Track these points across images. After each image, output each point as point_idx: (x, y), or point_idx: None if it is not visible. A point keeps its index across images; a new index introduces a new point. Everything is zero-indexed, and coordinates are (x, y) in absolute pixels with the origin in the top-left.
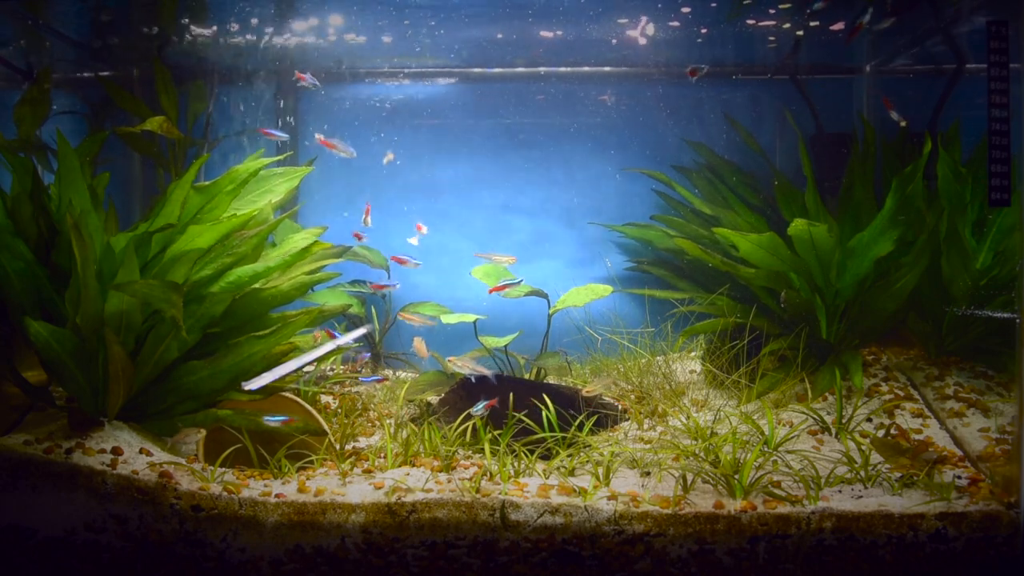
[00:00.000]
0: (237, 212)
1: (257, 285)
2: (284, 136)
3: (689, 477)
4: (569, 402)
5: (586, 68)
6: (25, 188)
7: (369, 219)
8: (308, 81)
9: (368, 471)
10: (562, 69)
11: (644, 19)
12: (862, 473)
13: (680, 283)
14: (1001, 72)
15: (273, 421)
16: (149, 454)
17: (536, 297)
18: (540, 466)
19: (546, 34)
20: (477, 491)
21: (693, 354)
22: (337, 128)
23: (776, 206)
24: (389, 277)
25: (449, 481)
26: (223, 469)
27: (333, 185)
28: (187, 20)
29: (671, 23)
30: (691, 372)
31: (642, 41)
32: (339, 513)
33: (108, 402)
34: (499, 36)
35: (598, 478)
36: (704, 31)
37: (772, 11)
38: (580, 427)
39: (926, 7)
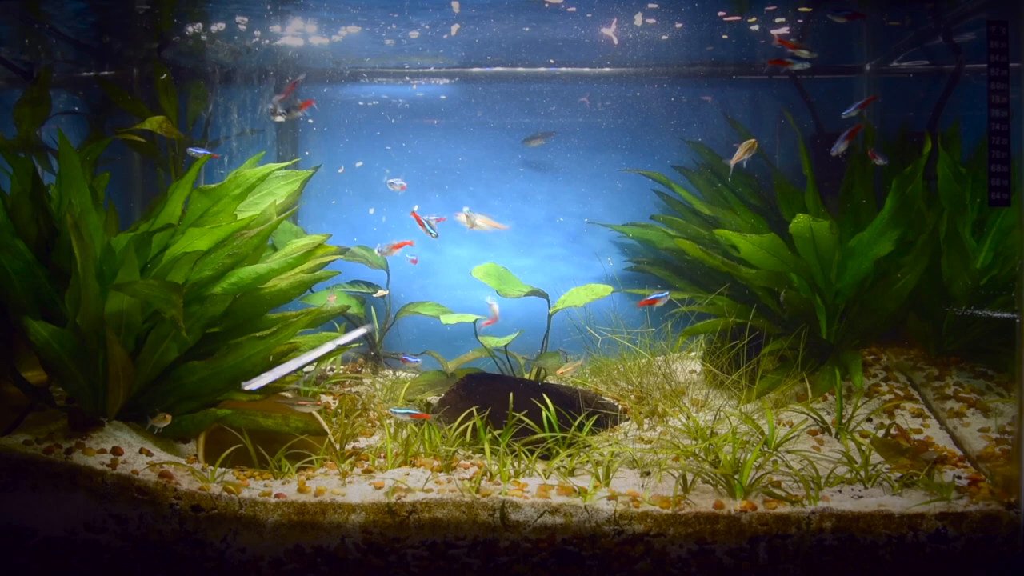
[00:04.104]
0: (239, 214)
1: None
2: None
3: (689, 477)
4: (569, 402)
5: (586, 68)
6: (25, 188)
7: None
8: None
9: (368, 471)
10: (562, 69)
11: (642, 18)
12: (862, 473)
13: (680, 283)
14: (1001, 72)
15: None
16: (149, 454)
17: (536, 297)
18: (540, 466)
19: (546, 34)
20: (477, 491)
21: (693, 354)
22: (337, 128)
23: (776, 206)
24: (388, 278)
25: (449, 481)
26: (223, 469)
27: (334, 185)
28: (187, 20)
29: (672, 24)
30: (691, 372)
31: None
32: (339, 513)
33: (108, 402)
34: (499, 36)
35: (598, 478)
36: (681, 26)
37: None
38: (580, 427)
39: (926, 7)
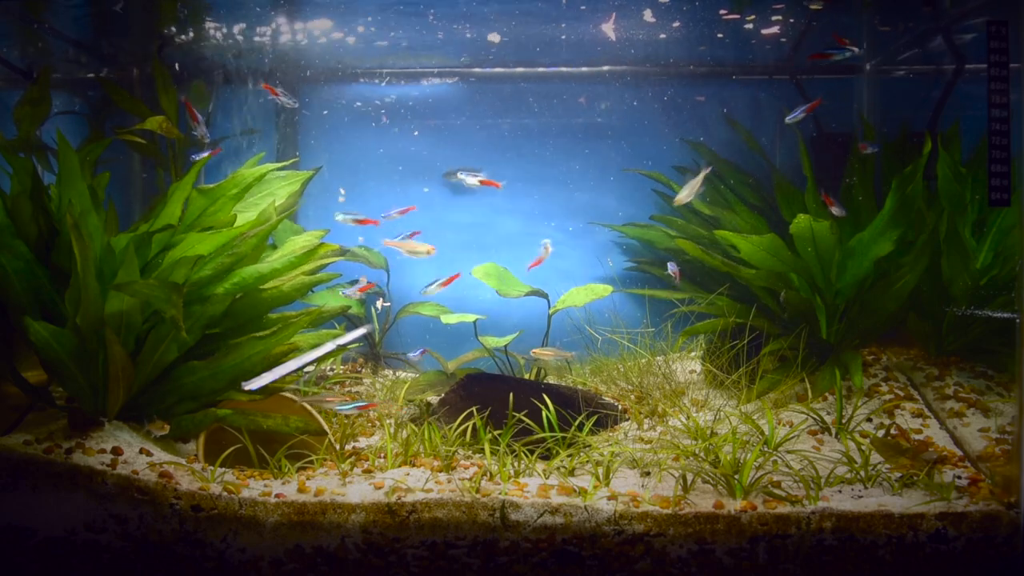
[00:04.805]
0: (239, 215)
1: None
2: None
3: (689, 477)
4: (569, 402)
5: (585, 68)
6: (25, 188)
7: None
8: (282, 99)
9: (368, 471)
10: (562, 69)
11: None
12: (862, 473)
13: (680, 283)
14: (1001, 72)
15: (346, 409)
16: (149, 454)
17: (536, 297)
18: (540, 466)
19: (546, 34)
20: (477, 491)
21: (693, 354)
22: (336, 128)
23: (776, 206)
24: (388, 279)
25: (449, 481)
26: (223, 469)
27: (332, 186)
28: (187, 20)
29: (672, 23)
30: (691, 372)
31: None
32: (339, 513)
33: (108, 402)
34: (499, 36)
35: (598, 478)
36: (681, 25)
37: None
38: (580, 427)
39: (926, 7)
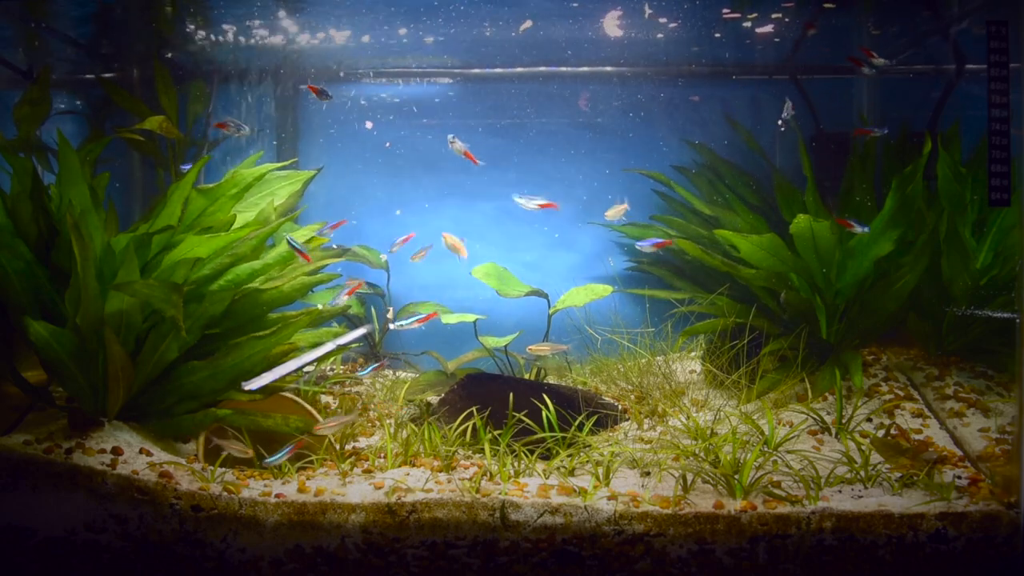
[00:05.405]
0: (239, 214)
1: (257, 284)
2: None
3: (689, 477)
4: (569, 402)
5: (585, 68)
6: (25, 188)
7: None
8: (323, 98)
9: (368, 471)
10: (562, 69)
11: (647, 15)
12: (862, 473)
13: (680, 283)
14: (1001, 72)
15: (280, 456)
16: (149, 454)
17: (536, 297)
18: (540, 466)
19: (548, 34)
20: (477, 491)
21: (693, 354)
22: (336, 128)
23: (776, 206)
24: (388, 279)
25: (449, 481)
26: (223, 469)
27: (332, 185)
28: (187, 20)
29: (671, 23)
30: (691, 372)
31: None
32: (339, 513)
33: (108, 402)
34: (499, 36)
35: (598, 478)
36: (681, 26)
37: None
38: (580, 427)
39: (926, 8)
